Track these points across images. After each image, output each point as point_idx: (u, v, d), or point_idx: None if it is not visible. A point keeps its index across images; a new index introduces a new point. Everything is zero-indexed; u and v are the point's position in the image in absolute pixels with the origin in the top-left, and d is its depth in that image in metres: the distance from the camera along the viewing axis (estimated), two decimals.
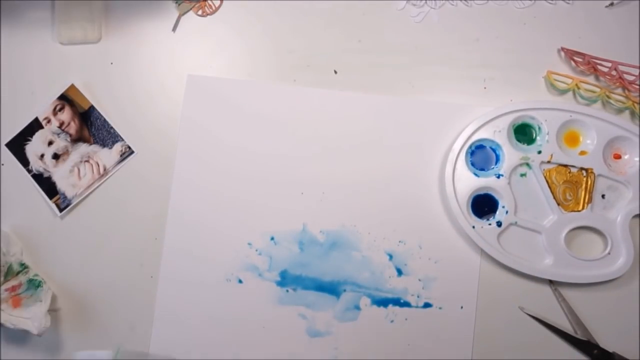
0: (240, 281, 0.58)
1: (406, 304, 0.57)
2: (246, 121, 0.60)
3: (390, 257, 0.58)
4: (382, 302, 0.57)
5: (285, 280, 0.58)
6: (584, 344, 0.55)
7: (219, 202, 0.59)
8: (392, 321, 0.57)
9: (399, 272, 0.58)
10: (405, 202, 0.58)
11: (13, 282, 0.56)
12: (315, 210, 0.59)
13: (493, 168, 0.58)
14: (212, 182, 0.59)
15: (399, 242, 0.58)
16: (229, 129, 0.60)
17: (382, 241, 0.58)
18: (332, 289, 0.58)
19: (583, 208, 0.57)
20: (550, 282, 0.56)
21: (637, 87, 0.57)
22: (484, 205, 0.58)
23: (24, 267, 0.58)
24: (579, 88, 0.59)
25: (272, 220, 0.59)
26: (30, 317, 0.54)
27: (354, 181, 0.59)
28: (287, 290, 0.58)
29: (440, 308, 0.57)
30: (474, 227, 0.56)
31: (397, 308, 0.57)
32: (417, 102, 0.60)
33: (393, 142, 0.59)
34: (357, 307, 0.57)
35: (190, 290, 0.58)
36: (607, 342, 0.55)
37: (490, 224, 0.57)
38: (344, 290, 0.57)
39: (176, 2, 0.63)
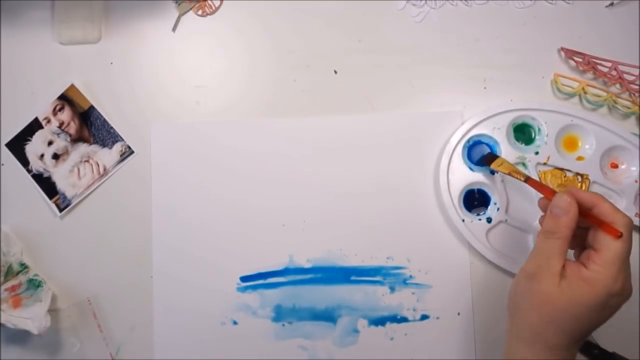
0: (235, 323, 0.57)
1: (404, 320, 0.57)
2: (217, 161, 0.59)
3: None
4: (380, 321, 0.57)
5: (280, 314, 0.57)
6: (584, 344, 0.55)
7: (201, 251, 0.58)
8: (392, 339, 0.57)
9: (392, 289, 0.57)
10: (389, 218, 0.58)
11: (13, 282, 0.56)
12: (299, 240, 0.58)
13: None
14: (191, 231, 0.58)
15: (387, 258, 0.58)
16: (202, 172, 0.59)
17: (370, 260, 0.58)
18: (327, 316, 0.57)
19: None
20: None
21: (637, 87, 0.57)
22: (475, 201, 0.58)
23: (24, 267, 0.58)
24: (585, 92, 0.59)
25: (257, 257, 0.58)
26: (30, 317, 0.54)
27: (334, 205, 0.58)
28: (283, 325, 0.57)
29: (437, 318, 0.57)
30: (463, 220, 0.56)
31: (395, 325, 0.57)
32: (391, 116, 0.59)
33: (370, 160, 0.59)
34: (356, 330, 0.57)
35: (186, 338, 0.57)
36: (607, 342, 0.55)
37: (480, 219, 0.57)
38: (340, 315, 0.57)
39: (176, 2, 0.63)
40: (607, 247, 0.40)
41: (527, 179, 0.51)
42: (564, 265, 0.41)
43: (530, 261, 0.43)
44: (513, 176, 0.52)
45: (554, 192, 0.45)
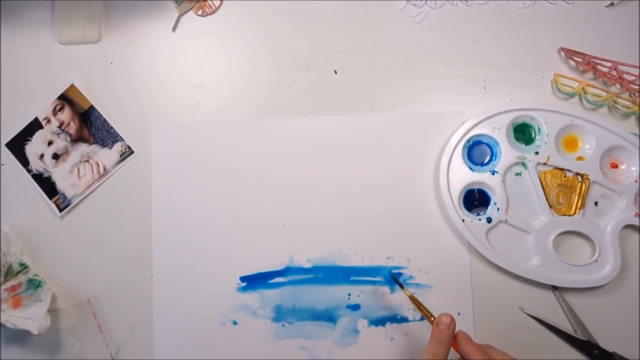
0: (235, 323, 0.57)
1: (404, 320, 0.57)
2: (217, 161, 0.59)
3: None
4: (380, 321, 0.57)
5: (280, 314, 0.57)
6: (584, 344, 0.55)
7: (201, 251, 0.58)
8: (392, 339, 0.57)
9: (392, 289, 0.57)
10: (389, 218, 0.58)
11: (13, 282, 0.56)
12: (299, 240, 0.58)
13: (486, 164, 0.58)
14: (191, 231, 0.59)
15: (387, 258, 0.58)
16: (201, 173, 0.59)
17: (370, 260, 0.58)
18: (327, 316, 0.57)
19: (575, 213, 0.57)
20: (554, 288, 0.56)
21: (637, 87, 0.57)
22: (475, 201, 0.58)
23: (24, 267, 0.58)
24: (585, 92, 0.59)
25: (257, 257, 0.58)
26: (30, 317, 0.54)
27: (334, 205, 0.58)
28: (283, 325, 0.57)
29: None
30: (463, 220, 0.56)
31: (395, 325, 0.57)
32: (391, 116, 0.59)
33: (370, 160, 0.59)
34: (356, 330, 0.57)
35: (186, 339, 0.57)
36: (607, 342, 0.55)
37: (480, 219, 0.57)
38: (340, 316, 0.57)
39: (176, 2, 0.63)
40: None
41: (426, 315, 0.51)
42: None
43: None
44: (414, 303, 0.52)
45: (432, 316, 0.51)
